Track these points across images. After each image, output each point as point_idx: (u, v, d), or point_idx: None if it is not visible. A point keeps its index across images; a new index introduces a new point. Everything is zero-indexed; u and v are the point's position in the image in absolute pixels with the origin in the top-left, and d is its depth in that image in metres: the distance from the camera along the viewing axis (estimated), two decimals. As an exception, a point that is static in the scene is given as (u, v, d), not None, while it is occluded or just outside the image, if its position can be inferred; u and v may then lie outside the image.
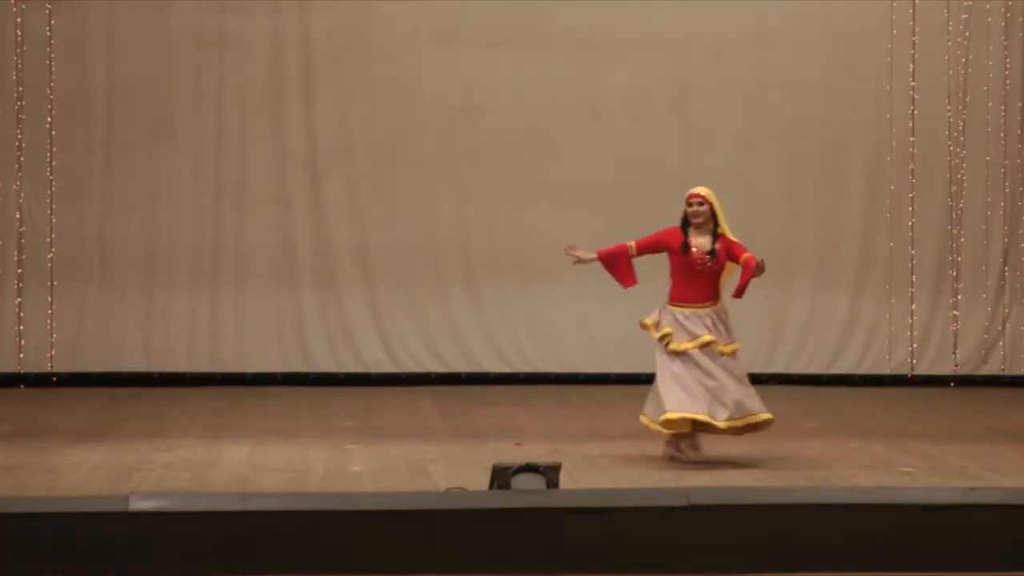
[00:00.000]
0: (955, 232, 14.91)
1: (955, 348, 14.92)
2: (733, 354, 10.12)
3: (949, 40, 14.81)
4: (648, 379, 14.74)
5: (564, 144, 14.70)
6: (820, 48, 14.81)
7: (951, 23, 14.81)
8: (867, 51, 14.78)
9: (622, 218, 14.73)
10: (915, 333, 14.92)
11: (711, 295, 10.10)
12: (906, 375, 14.91)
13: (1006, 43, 14.88)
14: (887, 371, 14.90)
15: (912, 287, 14.91)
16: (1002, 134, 14.89)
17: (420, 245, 14.65)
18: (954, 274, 14.93)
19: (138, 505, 7.22)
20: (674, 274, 10.18)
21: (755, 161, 14.82)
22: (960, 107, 14.85)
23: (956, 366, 14.93)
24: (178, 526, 7.21)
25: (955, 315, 14.93)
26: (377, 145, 14.62)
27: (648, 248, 10.28)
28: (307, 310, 14.62)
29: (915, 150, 14.85)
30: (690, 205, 10.09)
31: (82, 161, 14.40)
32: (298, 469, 9.73)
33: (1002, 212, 14.93)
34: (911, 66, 14.82)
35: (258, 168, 14.57)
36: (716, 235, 10.06)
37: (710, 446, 10.21)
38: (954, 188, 14.90)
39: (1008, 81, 14.89)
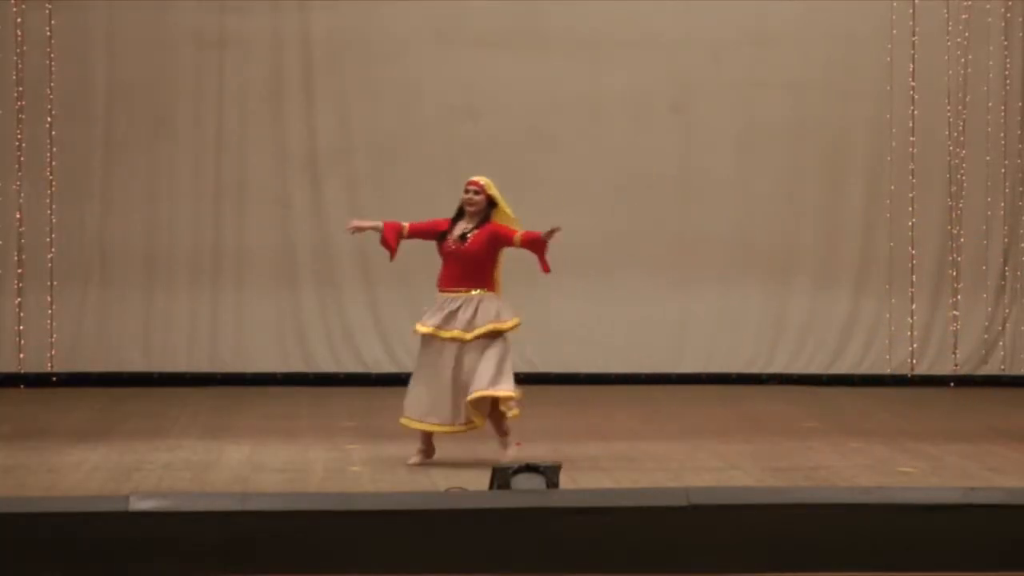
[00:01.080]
0: (955, 232, 14.91)
1: (955, 348, 14.92)
2: (477, 338, 9.79)
3: (949, 40, 14.82)
4: (648, 379, 14.86)
5: (564, 144, 14.70)
6: (820, 48, 14.81)
7: (951, 23, 14.81)
8: (867, 51, 14.78)
9: (622, 218, 14.77)
10: (915, 333, 14.92)
11: (467, 282, 9.87)
12: (906, 375, 14.91)
13: (1006, 43, 14.88)
14: (887, 371, 14.91)
15: (912, 287, 14.91)
16: (1002, 134, 14.89)
17: (420, 245, 14.60)
18: (954, 274, 14.93)
19: (138, 505, 7.22)
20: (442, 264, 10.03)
21: (755, 161, 14.82)
22: (960, 107, 14.86)
23: (956, 366, 14.93)
24: (178, 526, 7.21)
25: (955, 315, 14.93)
26: (377, 145, 14.62)
27: (419, 232, 10.10)
28: (307, 310, 14.62)
29: (915, 150, 14.85)
30: (466, 192, 9.98)
31: (82, 161, 14.41)
32: (298, 469, 9.73)
33: (1002, 212, 14.93)
34: (911, 66, 14.82)
35: (258, 168, 14.58)
36: (482, 224, 9.91)
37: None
38: (954, 188, 14.90)
39: (1008, 81, 14.89)
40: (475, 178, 10.06)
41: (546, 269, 10.04)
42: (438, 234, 10.00)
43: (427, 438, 9.95)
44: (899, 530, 7.47)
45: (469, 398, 9.73)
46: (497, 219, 9.98)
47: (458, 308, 9.83)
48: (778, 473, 9.60)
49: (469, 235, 9.90)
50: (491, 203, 9.99)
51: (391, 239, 10.10)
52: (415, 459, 9.90)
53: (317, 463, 9.99)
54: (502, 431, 9.89)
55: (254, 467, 9.80)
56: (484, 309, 9.84)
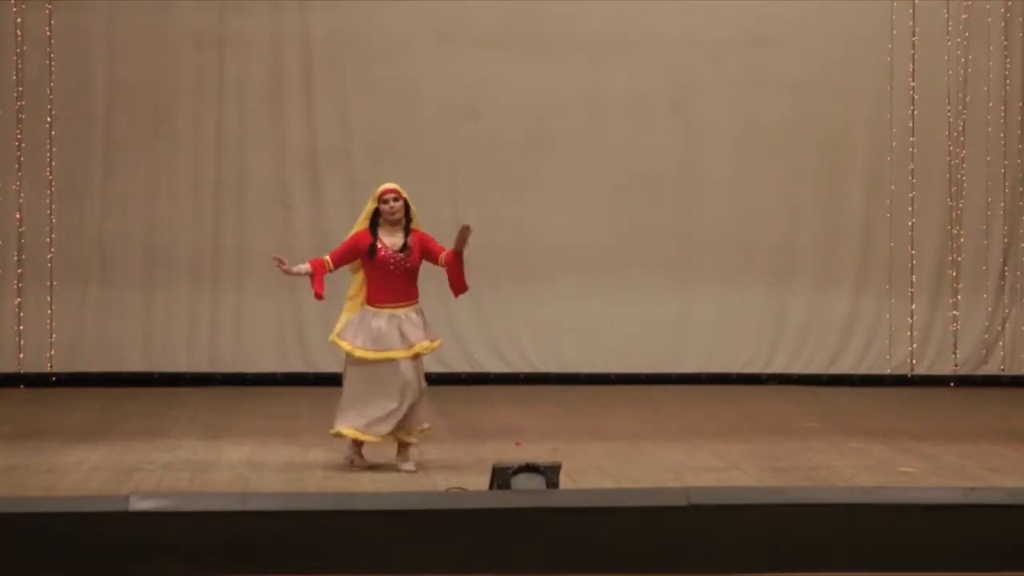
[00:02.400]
0: (955, 232, 14.91)
1: (955, 348, 14.92)
2: (419, 355, 9.83)
3: (949, 40, 14.81)
4: (648, 379, 14.86)
5: (564, 144, 14.70)
6: (820, 48, 14.81)
7: (951, 23, 14.81)
8: (867, 51, 14.78)
9: (622, 218, 14.77)
10: (915, 333, 14.92)
11: (410, 294, 9.81)
12: (906, 375, 14.91)
13: (1006, 43, 14.88)
14: (887, 371, 14.91)
15: (912, 287, 14.91)
16: (1002, 134, 14.89)
17: (420, 245, 14.63)
18: (954, 274, 14.93)
19: (138, 505, 7.22)
20: (368, 280, 9.81)
21: (755, 161, 14.82)
22: (960, 107, 14.85)
23: (956, 366, 14.93)
24: (178, 526, 7.21)
25: (955, 315, 14.93)
26: (377, 145, 14.62)
27: (342, 258, 9.86)
28: (307, 310, 14.60)
29: (915, 150, 14.85)
30: (385, 202, 9.76)
31: (82, 161, 14.40)
32: (298, 469, 9.73)
33: (1002, 212, 14.93)
34: (911, 66, 14.82)
35: (258, 168, 14.58)
36: (408, 230, 9.80)
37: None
38: (954, 188, 14.90)
39: (1008, 81, 14.89)
40: (390, 185, 9.86)
41: (457, 292, 9.92)
42: (365, 250, 9.78)
43: (360, 446, 9.97)
44: (899, 530, 7.47)
45: (410, 435, 9.85)
46: (413, 223, 9.85)
47: (403, 322, 9.75)
48: (778, 473, 9.60)
49: (408, 246, 9.75)
50: (405, 207, 9.81)
51: (318, 285, 9.88)
52: (356, 461, 9.93)
53: (317, 463, 9.99)
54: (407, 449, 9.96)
55: (254, 467, 9.80)
56: (421, 322, 9.82)
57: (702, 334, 14.85)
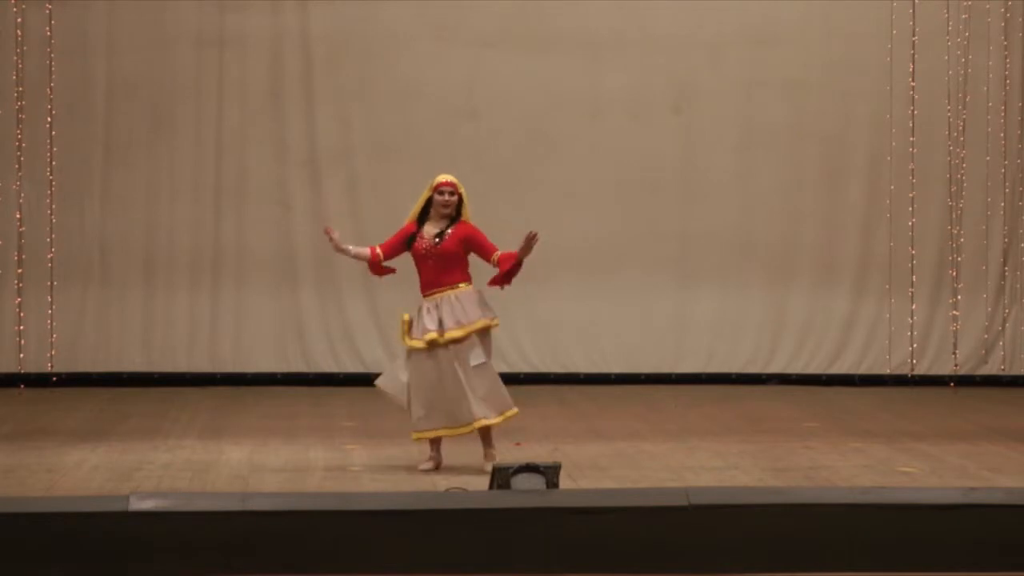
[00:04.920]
0: (955, 232, 14.91)
1: (955, 348, 14.92)
2: (464, 339, 9.62)
3: (949, 40, 14.81)
4: (648, 379, 14.84)
5: (564, 144, 14.70)
6: (820, 48, 14.81)
7: (951, 23, 14.81)
8: (867, 51, 14.78)
9: (622, 218, 14.77)
10: (915, 333, 14.91)
11: (445, 280, 9.68)
12: (906, 375, 14.91)
13: (1006, 43, 14.88)
14: (887, 371, 14.90)
15: (912, 287, 14.91)
16: (1002, 134, 14.89)
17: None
18: (954, 274, 14.93)
19: (138, 505, 7.22)
20: (417, 271, 9.81)
21: (755, 161, 14.83)
22: (960, 107, 14.85)
23: (956, 366, 14.92)
24: (178, 526, 7.21)
25: (955, 315, 14.92)
26: (377, 145, 14.62)
27: (392, 249, 9.83)
28: (307, 310, 14.62)
29: (915, 150, 14.85)
30: (441, 193, 9.75)
31: (82, 161, 14.41)
32: (298, 469, 9.74)
33: (1002, 212, 14.93)
34: (911, 66, 14.82)
35: (258, 168, 14.58)
36: (454, 221, 9.75)
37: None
38: (954, 188, 14.90)
39: (1008, 81, 14.89)
40: (448, 178, 9.86)
41: (497, 284, 9.82)
42: (408, 240, 9.79)
43: (437, 445, 9.83)
44: (899, 530, 7.47)
45: (476, 425, 9.58)
46: (463, 216, 9.82)
47: (442, 307, 9.65)
48: (778, 473, 9.60)
49: (445, 234, 9.72)
50: (460, 202, 9.81)
51: (379, 271, 9.89)
52: (426, 465, 9.76)
53: (317, 463, 10.00)
54: (490, 443, 9.79)
55: (254, 467, 9.80)
56: (468, 304, 9.66)
57: (702, 334, 14.85)
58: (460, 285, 9.74)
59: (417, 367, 9.65)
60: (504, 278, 9.79)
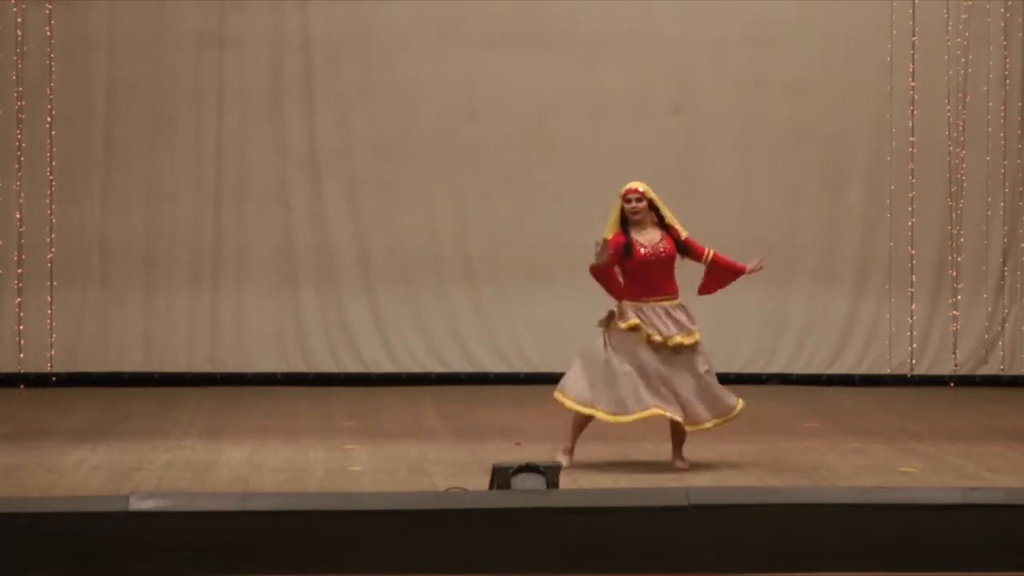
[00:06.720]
0: (955, 232, 14.91)
1: (955, 348, 14.92)
2: (695, 346, 9.85)
3: (949, 40, 14.81)
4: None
5: (564, 144, 14.70)
6: (820, 48, 14.81)
7: (951, 23, 14.81)
8: (867, 51, 14.78)
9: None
10: (915, 333, 14.91)
11: (669, 287, 9.89)
12: (906, 375, 14.91)
13: (1006, 43, 14.88)
14: (887, 371, 14.90)
15: (912, 287, 14.91)
16: (1002, 134, 14.89)
17: (420, 245, 14.65)
18: (954, 274, 14.93)
19: (138, 505, 7.22)
20: (626, 276, 9.87)
21: (755, 161, 14.82)
22: (960, 107, 14.85)
23: (956, 366, 14.93)
24: (178, 526, 7.21)
25: (955, 315, 14.93)
26: (377, 145, 14.62)
27: (615, 261, 9.88)
28: (307, 310, 14.62)
29: (915, 150, 14.85)
30: (628, 201, 9.81)
31: (82, 161, 14.41)
32: (298, 469, 9.73)
33: (1002, 212, 14.93)
34: (911, 66, 14.82)
35: (258, 168, 14.58)
36: (665, 226, 9.86)
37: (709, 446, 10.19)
38: (954, 188, 14.90)
39: (1008, 81, 14.89)
40: (634, 185, 9.91)
41: (704, 292, 10.12)
42: (624, 250, 9.78)
43: (577, 431, 9.84)
44: (899, 530, 7.47)
45: (704, 426, 9.77)
46: (667, 220, 9.88)
47: (670, 314, 9.79)
48: (778, 473, 9.60)
49: (663, 241, 9.81)
50: (651, 206, 9.84)
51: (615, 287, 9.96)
52: (564, 460, 9.72)
53: (317, 463, 10.00)
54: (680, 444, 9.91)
55: (254, 467, 9.80)
56: (688, 317, 9.85)
57: (702, 333, 14.80)
58: (676, 298, 9.91)
59: (631, 355, 9.75)
60: (708, 290, 10.12)
